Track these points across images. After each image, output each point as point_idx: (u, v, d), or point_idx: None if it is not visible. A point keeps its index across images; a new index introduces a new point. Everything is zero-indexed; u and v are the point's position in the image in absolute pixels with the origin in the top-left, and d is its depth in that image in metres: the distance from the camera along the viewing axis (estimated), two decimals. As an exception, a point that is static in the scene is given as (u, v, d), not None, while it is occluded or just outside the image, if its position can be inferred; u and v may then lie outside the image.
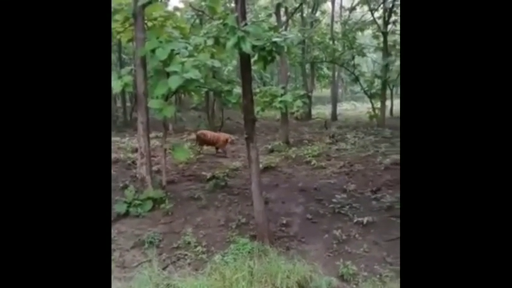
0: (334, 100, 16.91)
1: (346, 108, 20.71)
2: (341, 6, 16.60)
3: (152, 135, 8.61)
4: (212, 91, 8.93)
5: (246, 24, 3.68)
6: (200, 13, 9.81)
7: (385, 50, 13.06)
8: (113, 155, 8.05)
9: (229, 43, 3.49)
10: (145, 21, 5.88)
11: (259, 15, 13.42)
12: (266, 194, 5.71)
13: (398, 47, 13.37)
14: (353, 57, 14.10)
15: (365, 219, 4.80)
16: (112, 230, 4.67)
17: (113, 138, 9.77)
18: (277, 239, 4.42)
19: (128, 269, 3.88)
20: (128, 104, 16.68)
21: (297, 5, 12.64)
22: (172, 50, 5.22)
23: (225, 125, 14.85)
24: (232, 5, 8.77)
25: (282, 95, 8.65)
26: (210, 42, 4.18)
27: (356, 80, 14.61)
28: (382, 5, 13.14)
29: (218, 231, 4.75)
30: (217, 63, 5.55)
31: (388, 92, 14.49)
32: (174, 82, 4.95)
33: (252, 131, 4.19)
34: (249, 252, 3.80)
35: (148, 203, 5.46)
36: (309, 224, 4.91)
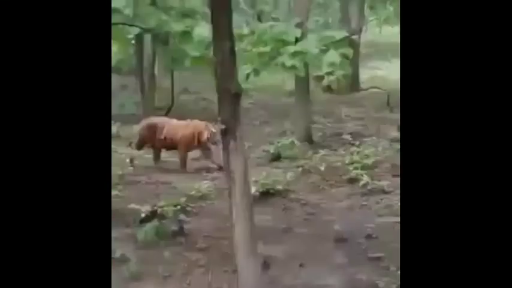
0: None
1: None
2: None
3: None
4: (150, 33, 8.92)
5: None
6: None
7: None
8: None
9: None
10: None
11: None
12: (265, 248, 5.74)
13: None
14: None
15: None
16: None
17: None
18: None
19: None
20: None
21: None
22: None
23: (178, 105, 14.86)
24: None
25: (297, 41, 8.69)
26: None
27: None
28: None
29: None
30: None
31: None
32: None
33: (234, 117, 4.21)
34: None
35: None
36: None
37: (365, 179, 8.06)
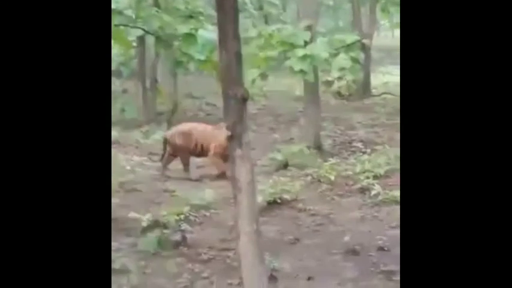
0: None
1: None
2: None
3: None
4: (153, 35, 8.97)
5: None
6: None
7: None
8: None
9: None
10: None
11: None
12: (273, 260, 5.74)
13: None
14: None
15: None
16: None
17: None
18: None
19: None
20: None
21: None
22: None
23: (182, 109, 14.91)
24: None
25: (306, 44, 8.70)
26: None
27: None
28: None
29: None
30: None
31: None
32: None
33: (241, 123, 4.22)
34: None
35: None
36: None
37: (376, 188, 8.05)
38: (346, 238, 6.55)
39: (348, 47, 8.88)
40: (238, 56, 4.20)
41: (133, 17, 6.23)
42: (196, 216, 7.32)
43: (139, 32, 7.61)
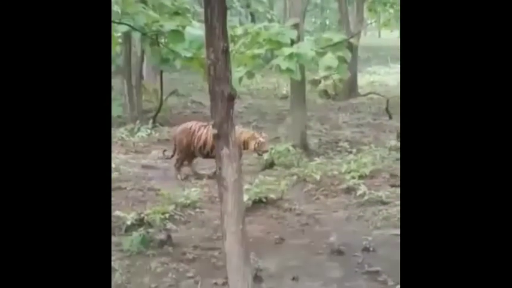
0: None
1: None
2: None
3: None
4: (139, 32, 8.91)
5: None
6: None
7: None
8: None
9: None
10: None
11: None
12: (258, 260, 5.75)
13: None
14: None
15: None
16: None
17: None
18: None
19: None
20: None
21: None
22: None
23: (167, 108, 14.87)
24: None
25: (293, 43, 8.71)
26: None
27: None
28: None
29: None
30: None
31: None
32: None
33: (228, 121, 4.21)
34: None
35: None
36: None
37: (362, 188, 8.06)
38: (332, 238, 6.57)
39: (335, 46, 8.88)
40: (226, 54, 4.20)
41: (119, 12, 6.16)
42: (181, 215, 7.31)
43: (125, 28, 7.54)
